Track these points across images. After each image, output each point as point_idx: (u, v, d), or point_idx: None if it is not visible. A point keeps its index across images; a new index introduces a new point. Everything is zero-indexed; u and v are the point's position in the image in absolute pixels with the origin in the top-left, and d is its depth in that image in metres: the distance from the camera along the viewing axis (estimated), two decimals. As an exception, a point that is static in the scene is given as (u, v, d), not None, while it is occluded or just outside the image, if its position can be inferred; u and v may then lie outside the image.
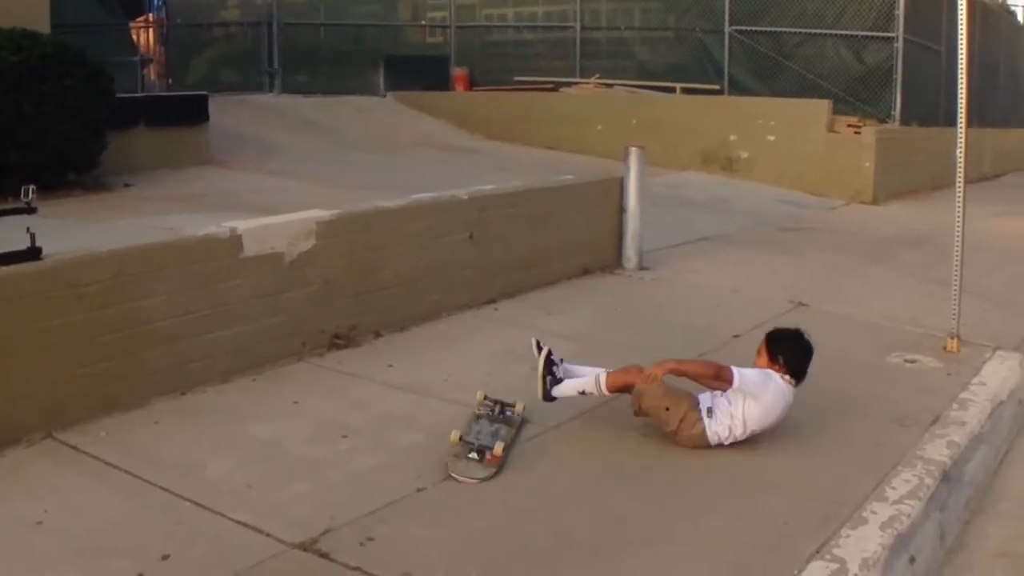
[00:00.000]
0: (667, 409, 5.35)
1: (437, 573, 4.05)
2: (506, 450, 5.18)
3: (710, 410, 5.38)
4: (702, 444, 5.36)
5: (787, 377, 5.44)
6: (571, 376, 5.53)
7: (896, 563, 4.41)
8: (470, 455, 5.05)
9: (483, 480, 4.92)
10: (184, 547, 4.21)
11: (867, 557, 4.27)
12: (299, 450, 5.24)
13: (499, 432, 5.37)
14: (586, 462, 5.22)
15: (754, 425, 5.37)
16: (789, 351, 5.51)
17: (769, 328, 5.80)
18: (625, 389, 5.46)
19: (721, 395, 5.40)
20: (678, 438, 5.37)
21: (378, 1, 22.34)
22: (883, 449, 5.49)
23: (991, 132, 20.31)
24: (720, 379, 5.37)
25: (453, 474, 4.94)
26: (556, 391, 5.55)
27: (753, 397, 5.33)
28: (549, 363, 5.47)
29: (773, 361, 5.47)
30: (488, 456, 5.05)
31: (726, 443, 5.37)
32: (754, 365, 5.53)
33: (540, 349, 5.70)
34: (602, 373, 5.45)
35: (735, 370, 5.34)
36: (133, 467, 4.92)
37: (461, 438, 5.19)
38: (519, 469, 5.10)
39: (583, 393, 5.54)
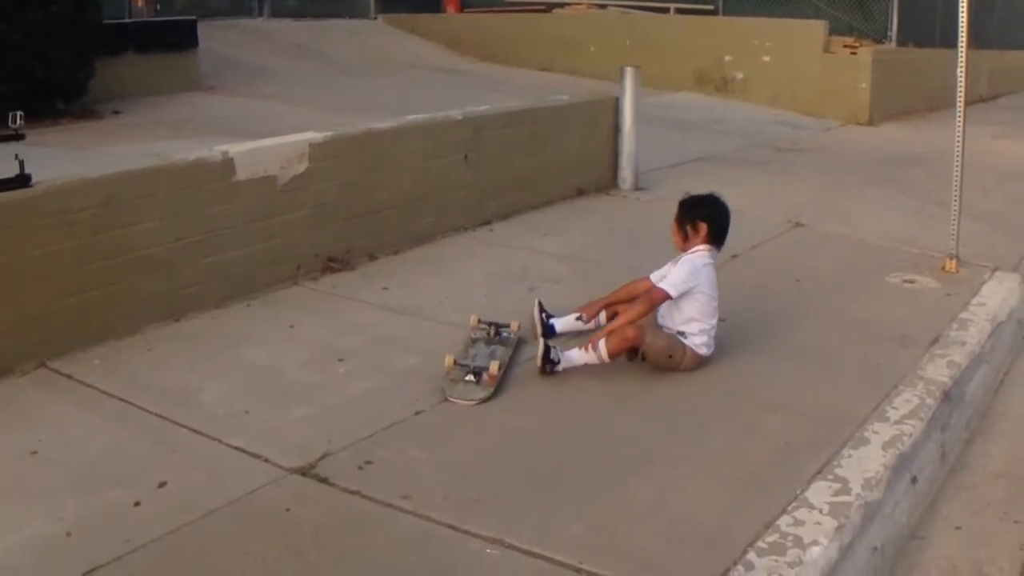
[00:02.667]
0: (670, 356, 5.33)
1: (436, 495, 4.03)
2: (503, 369, 5.15)
3: (682, 332, 5.37)
4: (702, 363, 5.39)
5: (705, 247, 5.44)
6: (569, 360, 5.37)
7: (898, 483, 4.39)
8: (467, 378, 5.03)
9: (481, 401, 4.90)
10: (181, 474, 4.18)
11: (869, 477, 4.25)
12: (295, 375, 5.20)
13: (495, 353, 5.34)
14: (584, 384, 5.18)
15: (710, 310, 5.39)
16: (709, 218, 5.47)
17: (768, 249, 5.76)
18: (626, 347, 5.33)
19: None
20: (682, 369, 5.35)
21: (369, -79, 22.03)
22: (883, 369, 5.46)
23: (988, 53, 20.12)
24: (659, 303, 5.40)
25: (451, 398, 4.91)
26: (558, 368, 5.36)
27: (693, 294, 5.35)
28: (547, 352, 5.31)
29: (694, 231, 5.45)
30: (485, 377, 5.03)
31: (712, 344, 5.42)
32: (673, 244, 5.55)
33: (542, 311, 5.72)
34: (600, 344, 5.32)
35: (664, 286, 5.36)
36: (128, 395, 4.89)
37: (456, 362, 5.17)
38: (517, 391, 5.08)
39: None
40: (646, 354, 5.32)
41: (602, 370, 5.27)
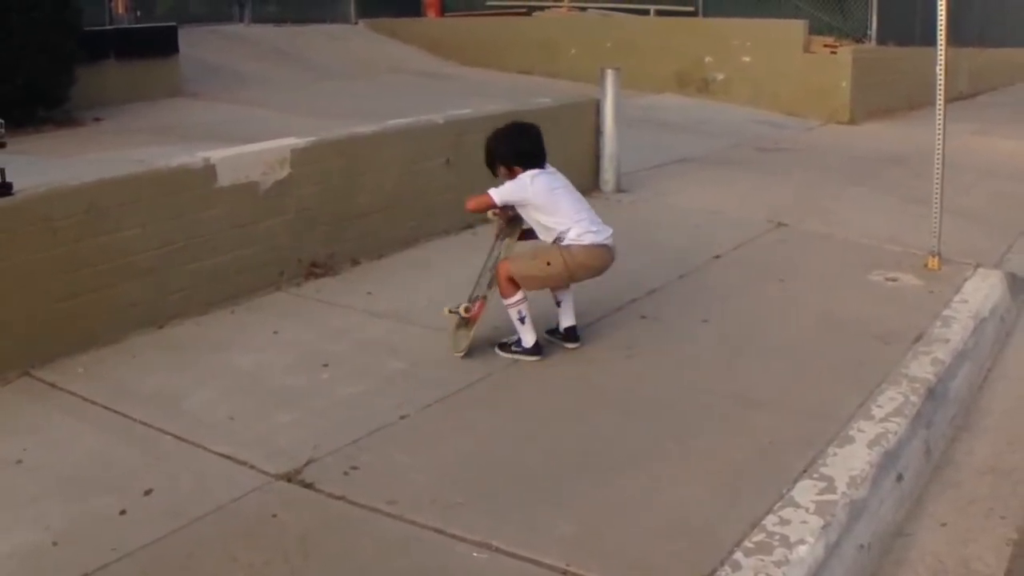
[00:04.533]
0: (548, 264, 5.49)
1: (423, 499, 4.02)
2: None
3: (559, 239, 5.52)
4: (595, 251, 5.53)
5: (527, 173, 5.56)
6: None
7: (884, 480, 4.41)
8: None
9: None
10: (167, 481, 4.17)
11: (855, 475, 4.26)
12: (280, 380, 5.20)
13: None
14: (569, 384, 5.21)
15: (569, 208, 5.54)
16: (510, 157, 5.64)
17: (751, 249, 5.77)
18: (515, 282, 5.51)
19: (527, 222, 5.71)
20: (573, 266, 5.51)
21: (349, -75, 22.03)
22: (867, 367, 5.48)
23: (967, 51, 20.21)
24: (484, 205, 5.62)
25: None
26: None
27: (539, 206, 5.53)
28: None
29: (508, 172, 5.63)
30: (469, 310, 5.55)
31: (597, 229, 5.54)
32: None
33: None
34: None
35: (490, 192, 5.57)
36: (112, 402, 4.88)
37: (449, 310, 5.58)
38: (503, 392, 5.10)
39: (521, 318, 5.56)
40: (526, 280, 5.52)
41: (587, 370, 5.30)
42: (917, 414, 4.98)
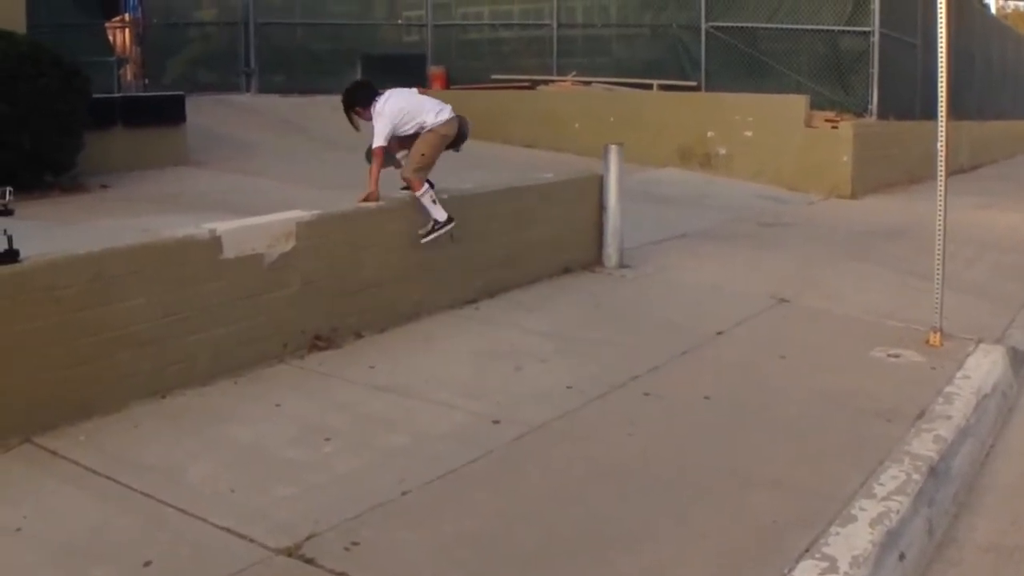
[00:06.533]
0: (423, 155, 7.50)
1: (423, 576, 4.01)
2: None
3: (421, 129, 7.55)
4: (453, 120, 7.69)
5: (376, 102, 7.49)
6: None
7: (886, 560, 4.38)
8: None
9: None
10: (166, 553, 4.15)
11: (857, 555, 4.24)
12: (282, 453, 5.18)
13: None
14: (570, 462, 5.19)
15: (414, 108, 7.59)
16: (356, 103, 7.60)
17: (753, 325, 5.79)
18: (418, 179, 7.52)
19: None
20: (445, 140, 7.64)
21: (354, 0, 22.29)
22: (869, 445, 5.47)
23: (967, 124, 20.38)
24: (381, 155, 7.50)
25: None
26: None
27: (397, 121, 7.46)
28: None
29: (362, 112, 7.57)
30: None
31: (441, 109, 7.65)
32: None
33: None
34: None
35: (373, 143, 7.47)
36: (113, 472, 4.87)
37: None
38: (504, 469, 5.07)
39: (433, 201, 7.55)
40: (416, 171, 7.50)
41: (588, 448, 5.29)
42: (919, 492, 4.96)
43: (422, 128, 7.48)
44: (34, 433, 5.20)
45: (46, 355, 5.31)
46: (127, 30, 21.09)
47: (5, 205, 5.40)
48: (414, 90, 7.88)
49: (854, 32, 17.34)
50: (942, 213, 7.39)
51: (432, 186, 7.56)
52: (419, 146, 7.48)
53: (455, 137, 7.69)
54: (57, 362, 5.36)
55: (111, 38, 20.53)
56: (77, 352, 5.46)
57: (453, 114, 7.65)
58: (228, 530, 4.35)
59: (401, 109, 7.47)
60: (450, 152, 7.71)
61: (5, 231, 5.19)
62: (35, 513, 4.46)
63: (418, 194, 7.44)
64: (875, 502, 4.74)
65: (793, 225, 12.76)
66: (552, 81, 19.32)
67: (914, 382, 6.57)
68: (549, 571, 4.11)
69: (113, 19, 21.16)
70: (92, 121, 11.77)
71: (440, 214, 7.49)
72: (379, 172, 7.46)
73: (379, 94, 7.54)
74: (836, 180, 15.75)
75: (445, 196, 7.89)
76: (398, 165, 7.69)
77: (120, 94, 14.64)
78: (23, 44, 10.94)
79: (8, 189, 5.42)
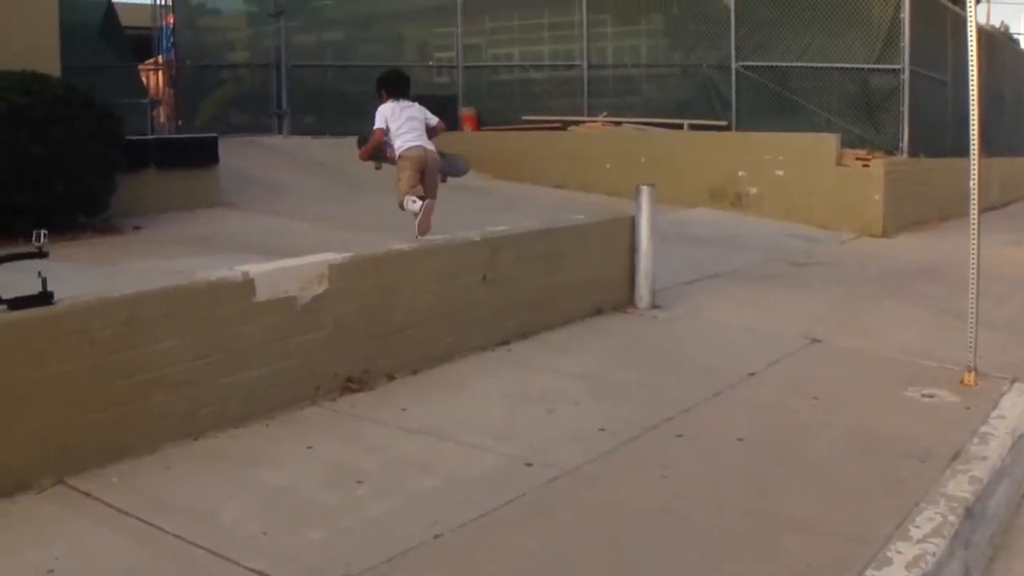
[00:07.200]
0: (399, 179, 9.14)
1: (456, 621, 3.99)
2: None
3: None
4: (419, 150, 9.27)
5: (388, 102, 9.29)
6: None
7: (923, 604, 4.35)
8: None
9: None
10: (199, 597, 4.16)
11: (893, 599, 4.21)
12: (314, 496, 5.18)
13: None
14: (602, 505, 5.16)
15: (401, 128, 9.26)
16: (383, 84, 9.45)
17: (786, 366, 5.77)
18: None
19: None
20: (416, 163, 9.22)
21: (385, 42, 22.45)
22: (904, 486, 5.42)
23: (998, 161, 20.29)
24: (379, 139, 9.42)
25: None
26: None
27: (392, 130, 9.25)
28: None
29: (378, 95, 9.38)
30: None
31: (407, 143, 9.23)
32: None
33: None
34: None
35: (375, 130, 9.35)
36: (145, 513, 4.87)
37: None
38: (536, 512, 5.05)
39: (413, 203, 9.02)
40: (402, 190, 9.11)
41: (621, 491, 5.27)
42: (955, 534, 4.91)
43: (398, 149, 9.19)
44: (67, 474, 5.21)
45: (80, 397, 5.33)
46: (160, 72, 21.36)
47: (40, 248, 5.41)
48: (415, 106, 9.43)
49: (884, 70, 17.34)
50: (975, 251, 7.34)
51: (423, 199, 8.94)
52: (398, 171, 9.22)
53: (448, 172, 9.73)
54: (91, 404, 5.38)
55: (144, 80, 20.77)
56: (110, 394, 5.48)
57: (418, 145, 9.18)
58: (260, 572, 4.35)
59: (383, 116, 9.24)
60: (480, 194, 7.84)
61: (40, 273, 5.22)
62: (68, 554, 4.47)
63: (403, 209, 9.12)
64: (911, 544, 4.70)
65: (825, 264, 12.72)
66: (583, 122, 19.36)
67: (948, 422, 6.53)
68: (582, 615, 4.09)
69: (146, 61, 21.43)
70: (125, 163, 11.88)
71: (417, 207, 8.92)
72: (368, 150, 9.57)
73: (399, 96, 9.34)
74: (868, 218, 15.70)
75: (477, 239, 7.92)
76: (378, 167, 9.88)
77: (153, 136, 14.83)
78: (56, 87, 11.07)
79: (43, 232, 5.44)
